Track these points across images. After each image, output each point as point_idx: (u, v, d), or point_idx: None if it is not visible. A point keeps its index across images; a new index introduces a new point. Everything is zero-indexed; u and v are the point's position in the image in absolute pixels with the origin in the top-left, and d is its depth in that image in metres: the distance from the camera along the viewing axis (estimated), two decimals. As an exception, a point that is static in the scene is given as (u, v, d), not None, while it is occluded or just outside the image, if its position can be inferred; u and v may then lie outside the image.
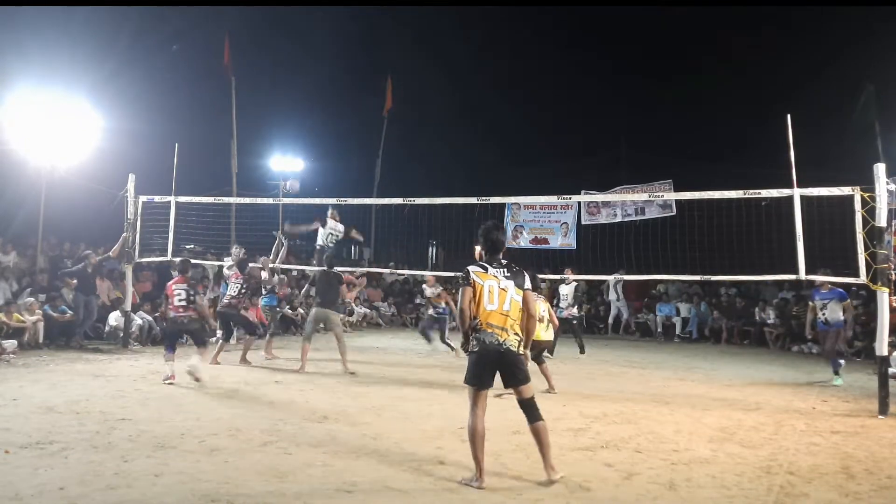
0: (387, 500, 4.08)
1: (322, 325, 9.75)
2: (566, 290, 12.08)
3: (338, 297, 9.93)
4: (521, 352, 4.51)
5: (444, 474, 4.58)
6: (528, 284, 4.63)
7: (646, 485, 4.47)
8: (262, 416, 6.26)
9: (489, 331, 4.45)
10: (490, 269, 4.55)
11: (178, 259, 12.21)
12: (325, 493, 4.14)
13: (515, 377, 4.48)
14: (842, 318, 9.50)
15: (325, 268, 9.94)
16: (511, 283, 4.52)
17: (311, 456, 4.92)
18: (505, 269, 4.56)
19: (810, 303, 9.89)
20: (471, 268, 4.56)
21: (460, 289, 4.58)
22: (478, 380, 4.48)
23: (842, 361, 9.72)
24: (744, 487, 4.47)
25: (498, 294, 4.47)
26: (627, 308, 17.13)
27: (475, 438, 4.41)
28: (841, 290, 9.32)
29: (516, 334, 4.51)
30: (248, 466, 4.61)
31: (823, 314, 9.59)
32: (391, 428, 5.89)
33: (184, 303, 8.33)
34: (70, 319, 11.25)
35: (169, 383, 7.81)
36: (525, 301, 4.57)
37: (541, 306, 7.25)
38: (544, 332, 7.64)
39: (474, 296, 4.48)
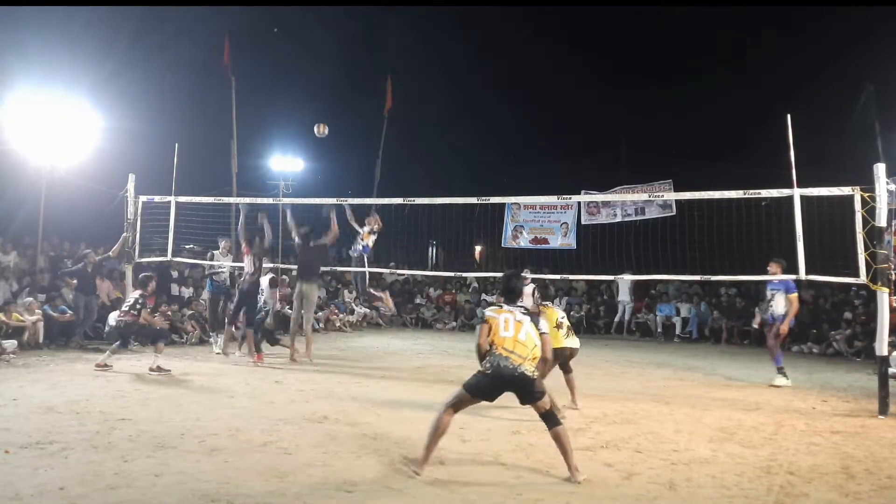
0: (387, 500, 4.09)
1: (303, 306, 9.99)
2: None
3: (319, 268, 10.16)
4: (535, 376, 4.63)
5: (444, 474, 4.58)
6: (544, 329, 4.87)
7: (646, 485, 4.47)
8: (262, 416, 6.26)
9: (504, 354, 4.57)
10: (506, 306, 4.81)
11: (178, 259, 12.31)
12: (325, 493, 4.14)
13: (531, 396, 4.60)
14: (783, 311, 9.09)
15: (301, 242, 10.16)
16: (527, 319, 4.73)
17: (311, 456, 4.93)
18: (522, 309, 4.82)
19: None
20: (487, 309, 4.89)
21: (477, 327, 4.82)
22: (480, 393, 4.63)
23: (780, 360, 9.23)
24: (744, 487, 4.47)
25: (514, 324, 4.66)
26: (632, 308, 17.18)
27: (438, 431, 4.57)
28: (790, 281, 8.82)
29: (531, 362, 4.62)
30: (248, 466, 4.61)
31: (771, 306, 9.26)
32: (391, 428, 5.89)
33: (127, 307, 9.25)
34: (70, 319, 11.25)
35: (98, 368, 8.62)
36: (542, 344, 4.76)
37: (559, 312, 6.93)
38: (565, 339, 6.81)
39: (490, 330, 4.67)
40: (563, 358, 6.83)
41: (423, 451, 4.55)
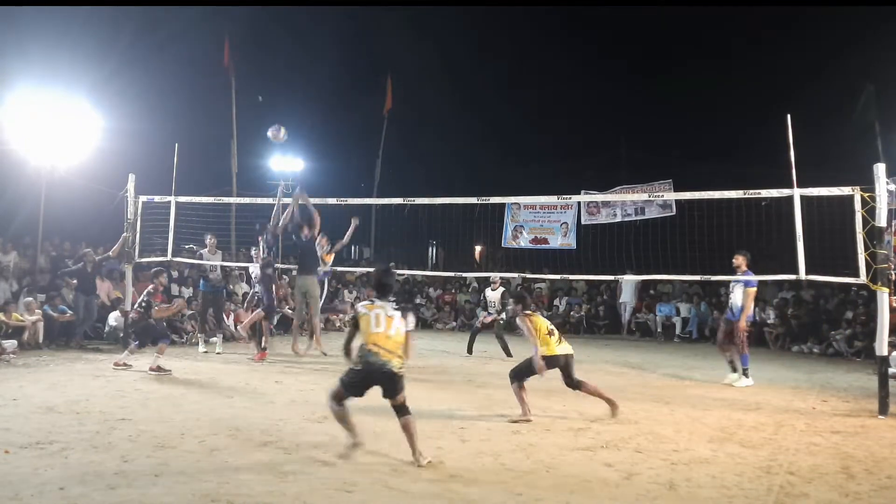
0: (387, 499, 4.09)
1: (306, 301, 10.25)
2: (492, 296, 11.88)
3: (314, 261, 10.35)
4: (402, 372, 4.88)
5: (444, 474, 4.58)
6: (411, 326, 4.99)
7: (646, 485, 4.47)
8: (262, 416, 6.26)
9: (374, 351, 4.77)
10: (378, 301, 4.98)
11: (178, 259, 12.29)
12: (325, 493, 4.14)
13: (394, 391, 4.85)
14: (740, 305, 8.91)
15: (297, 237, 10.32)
16: (398, 315, 4.89)
17: (311, 456, 4.93)
18: (393, 304, 4.96)
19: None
20: (359, 305, 5.04)
21: (348, 327, 5.10)
22: (352, 389, 4.87)
23: (740, 357, 8.90)
24: (744, 487, 4.47)
25: (385, 319, 4.84)
26: (632, 308, 17.17)
27: (343, 418, 4.88)
28: (751, 277, 8.66)
29: (399, 357, 4.84)
30: (248, 466, 4.61)
31: (731, 297, 9.08)
32: (391, 428, 5.85)
33: (134, 305, 9.52)
34: (70, 319, 11.26)
35: (117, 368, 8.78)
36: (406, 343, 4.93)
37: (546, 321, 6.74)
38: (558, 346, 6.59)
39: (361, 325, 4.86)
40: (558, 365, 6.66)
41: (347, 431, 4.91)
